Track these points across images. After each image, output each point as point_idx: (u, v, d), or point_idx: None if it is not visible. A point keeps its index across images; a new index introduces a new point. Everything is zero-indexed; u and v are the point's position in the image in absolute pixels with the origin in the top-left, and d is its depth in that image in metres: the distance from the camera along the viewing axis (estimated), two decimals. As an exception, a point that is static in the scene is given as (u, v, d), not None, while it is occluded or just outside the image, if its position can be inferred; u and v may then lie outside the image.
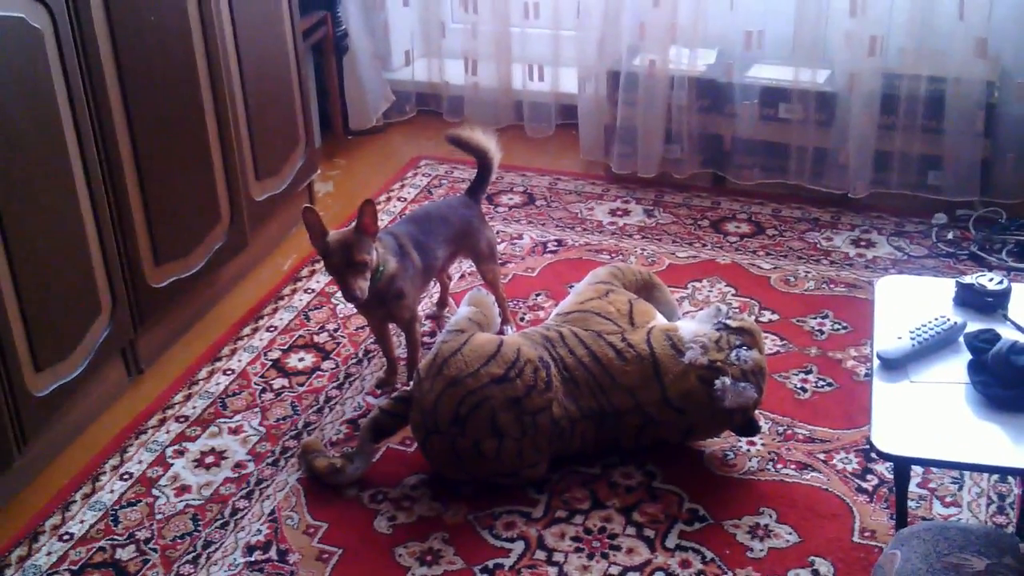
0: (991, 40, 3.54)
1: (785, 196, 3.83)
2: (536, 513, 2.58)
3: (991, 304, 2.42)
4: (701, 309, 3.02)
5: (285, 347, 3.19)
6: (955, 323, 2.34)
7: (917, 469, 2.58)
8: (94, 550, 2.55)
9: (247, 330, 3.28)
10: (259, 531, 2.57)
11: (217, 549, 2.53)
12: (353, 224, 2.72)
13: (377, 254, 2.76)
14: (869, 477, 2.63)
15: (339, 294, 3.35)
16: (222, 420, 2.92)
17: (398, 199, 3.93)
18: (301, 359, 3.14)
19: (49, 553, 2.54)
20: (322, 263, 2.82)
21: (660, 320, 2.76)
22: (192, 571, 2.48)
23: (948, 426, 2.16)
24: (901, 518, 2.29)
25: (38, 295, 2.64)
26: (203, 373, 3.10)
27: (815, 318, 3.19)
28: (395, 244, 2.87)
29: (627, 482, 2.65)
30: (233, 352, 3.18)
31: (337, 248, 2.70)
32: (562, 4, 4.12)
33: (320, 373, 3.08)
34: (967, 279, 2.46)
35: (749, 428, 2.67)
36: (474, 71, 4.32)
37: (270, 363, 3.13)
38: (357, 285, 2.70)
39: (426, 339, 3.09)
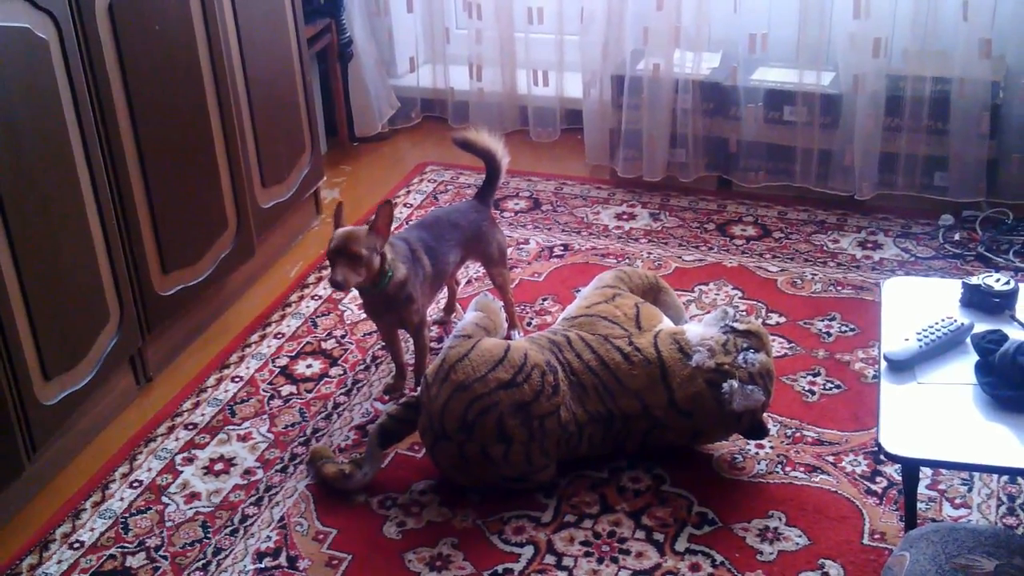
0: (995, 40, 3.53)
1: (791, 199, 3.83)
2: (545, 518, 2.58)
3: (998, 305, 2.42)
4: (708, 312, 3.02)
5: (293, 354, 3.20)
6: (962, 324, 2.34)
7: (926, 471, 2.58)
8: (104, 558, 2.55)
9: (255, 337, 3.28)
10: (268, 538, 2.58)
11: (227, 556, 2.54)
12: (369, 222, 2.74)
13: (386, 259, 2.77)
14: (878, 479, 2.62)
15: (347, 300, 3.36)
16: (231, 427, 2.93)
17: (404, 205, 3.94)
18: (309, 366, 3.15)
19: (60, 561, 2.55)
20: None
21: (667, 324, 2.75)
22: (202, 578, 2.49)
23: (956, 427, 2.16)
24: (910, 520, 2.29)
25: (46, 304, 2.64)
26: (211, 380, 3.11)
27: (822, 320, 3.18)
28: (406, 249, 2.87)
29: (636, 486, 2.65)
30: (241, 359, 3.19)
31: (340, 236, 2.71)
32: (566, 9, 4.12)
33: (328, 379, 3.08)
34: (974, 280, 2.46)
35: (757, 431, 2.67)
36: (479, 76, 4.32)
37: (278, 370, 3.14)
38: (342, 272, 2.69)
39: (433, 344, 3.09)
